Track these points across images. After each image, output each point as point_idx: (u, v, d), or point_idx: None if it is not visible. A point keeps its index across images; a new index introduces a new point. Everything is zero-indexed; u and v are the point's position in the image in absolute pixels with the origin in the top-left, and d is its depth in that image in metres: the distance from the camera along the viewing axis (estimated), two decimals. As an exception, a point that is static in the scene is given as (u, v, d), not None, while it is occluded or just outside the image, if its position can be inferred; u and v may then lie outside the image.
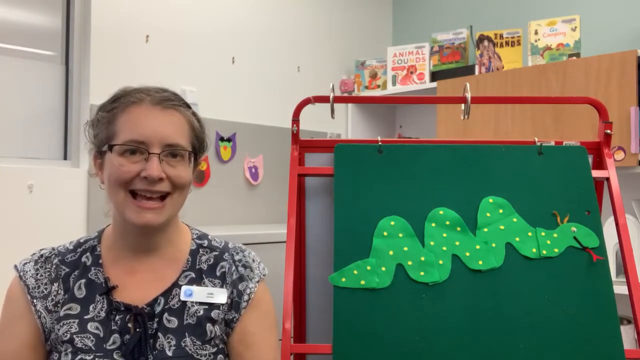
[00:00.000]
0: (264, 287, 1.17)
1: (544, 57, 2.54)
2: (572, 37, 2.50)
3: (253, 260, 1.18)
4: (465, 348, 1.20)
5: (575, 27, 2.50)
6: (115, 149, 1.03)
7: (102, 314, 1.04)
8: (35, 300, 1.05)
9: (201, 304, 1.08)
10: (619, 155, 2.21)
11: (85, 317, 1.04)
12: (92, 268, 1.08)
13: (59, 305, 1.05)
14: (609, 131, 1.42)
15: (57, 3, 2.34)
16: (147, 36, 2.46)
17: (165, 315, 1.06)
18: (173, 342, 1.04)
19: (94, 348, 1.01)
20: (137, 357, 1.01)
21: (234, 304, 1.11)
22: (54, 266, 1.08)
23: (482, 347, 1.20)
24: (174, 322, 1.06)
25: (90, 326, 1.03)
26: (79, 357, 1.01)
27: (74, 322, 1.03)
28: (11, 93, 2.14)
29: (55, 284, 1.07)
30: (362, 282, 1.25)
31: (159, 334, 1.04)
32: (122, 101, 1.06)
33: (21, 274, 1.08)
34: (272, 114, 2.91)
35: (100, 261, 1.09)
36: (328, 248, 1.35)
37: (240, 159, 2.77)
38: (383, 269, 1.26)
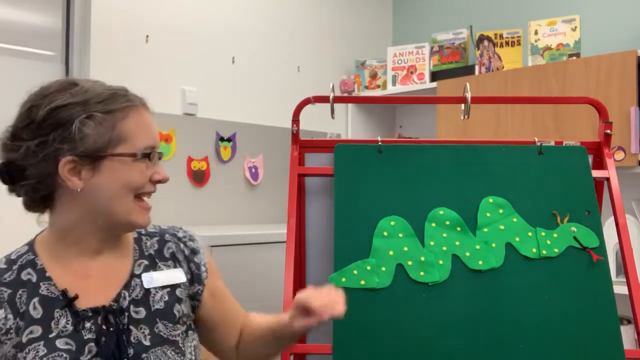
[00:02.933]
0: (209, 256, 1.20)
1: (544, 57, 2.54)
2: (572, 37, 2.50)
3: (193, 234, 1.20)
4: (465, 347, 1.20)
5: (575, 27, 2.50)
6: (139, 154, 1.01)
7: (69, 327, 0.99)
8: None
9: (163, 287, 1.08)
10: (619, 155, 2.21)
11: (50, 335, 0.98)
12: (41, 284, 1.01)
13: (11, 332, 0.97)
14: (609, 131, 1.42)
15: (57, 3, 2.34)
16: (147, 36, 2.46)
17: (132, 307, 1.04)
18: (147, 332, 1.04)
19: None
20: (119, 356, 0.99)
21: (195, 277, 1.14)
22: None
23: (482, 346, 1.20)
24: (141, 312, 1.05)
25: (60, 343, 0.97)
26: None
27: (39, 344, 0.96)
28: (11, 93, 2.14)
29: (1, 311, 0.98)
30: (362, 282, 1.25)
31: (131, 327, 1.02)
32: (118, 103, 1.02)
33: None
34: (272, 114, 2.91)
35: (48, 274, 1.02)
36: (328, 248, 1.35)
37: (240, 159, 2.77)
38: (383, 269, 1.26)
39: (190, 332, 1.11)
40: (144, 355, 1.02)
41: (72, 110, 0.98)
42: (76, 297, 1.00)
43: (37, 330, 0.97)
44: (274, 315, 1.14)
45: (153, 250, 1.12)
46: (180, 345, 1.07)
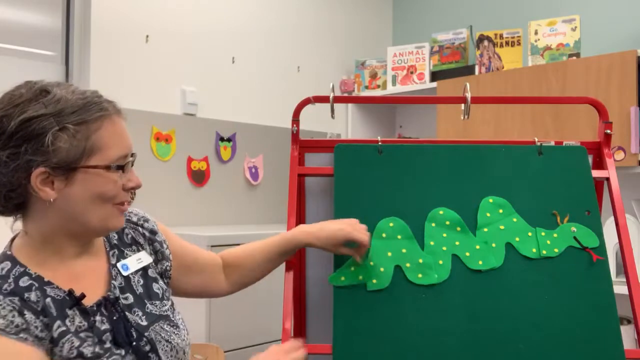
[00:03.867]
0: (159, 224, 1.25)
1: (544, 57, 2.54)
2: (572, 37, 2.50)
3: (145, 214, 1.23)
4: (465, 348, 1.20)
5: (575, 27, 2.50)
6: (112, 166, 1.02)
7: (84, 323, 1.01)
8: (22, 334, 0.94)
9: (137, 272, 1.14)
10: (619, 155, 2.21)
11: (72, 330, 1.00)
12: (46, 287, 1.00)
13: (44, 330, 0.97)
14: (609, 131, 1.42)
15: (57, 3, 2.34)
16: (147, 36, 2.46)
17: (120, 295, 1.09)
18: (140, 313, 1.09)
19: (102, 352, 1.00)
20: (128, 340, 1.04)
21: (160, 255, 1.20)
22: (5, 302, 0.95)
23: (482, 347, 1.20)
24: (130, 298, 1.10)
25: (83, 335, 1.00)
26: None
27: (70, 336, 0.98)
28: (11, 93, 2.13)
29: (27, 313, 0.96)
30: (360, 277, 1.25)
31: (126, 313, 1.07)
32: (92, 113, 1.00)
33: None
34: (272, 114, 2.91)
35: (47, 280, 1.01)
36: (328, 248, 1.35)
37: (240, 159, 2.77)
38: (382, 269, 1.26)
39: (174, 306, 1.18)
40: (146, 333, 1.07)
41: (45, 122, 0.96)
42: (83, 295, 1.02)
43: (61, 325, 0.99)
44: (273, 239, 1.29)
45: (115, 239, 1.16)
46: (172, 318, 1.14)
